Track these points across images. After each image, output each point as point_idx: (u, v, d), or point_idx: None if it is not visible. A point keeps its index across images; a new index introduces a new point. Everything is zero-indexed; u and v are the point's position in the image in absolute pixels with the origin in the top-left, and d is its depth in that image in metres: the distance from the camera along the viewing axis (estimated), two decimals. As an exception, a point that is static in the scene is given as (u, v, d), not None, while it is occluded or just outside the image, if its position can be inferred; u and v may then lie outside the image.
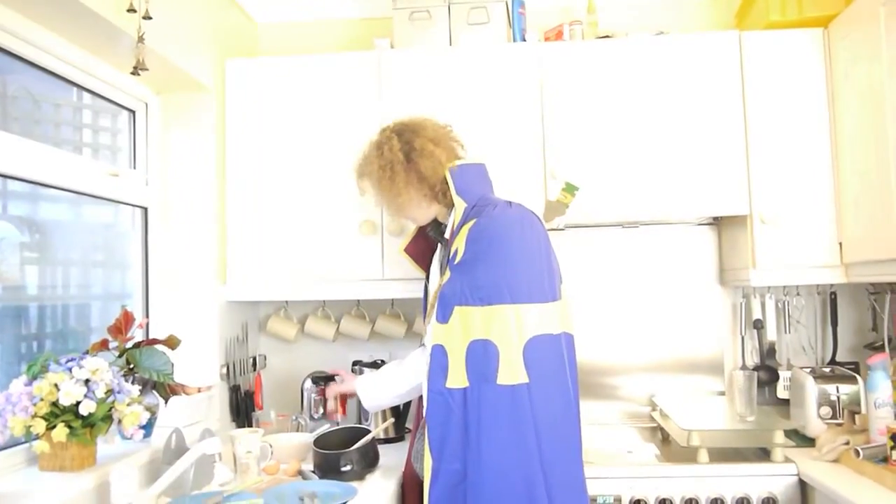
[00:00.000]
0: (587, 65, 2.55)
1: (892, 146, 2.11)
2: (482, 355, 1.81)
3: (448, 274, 1.93)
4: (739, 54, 2.51)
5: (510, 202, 2.00)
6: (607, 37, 2.69)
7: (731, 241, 2.71)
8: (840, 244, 2.44)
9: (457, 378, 1.83)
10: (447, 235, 2.07)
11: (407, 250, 2.28)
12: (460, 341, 1.84)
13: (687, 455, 2.28)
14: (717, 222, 2.82)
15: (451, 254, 1.94)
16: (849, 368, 2.53)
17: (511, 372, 1.79)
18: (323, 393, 2.54)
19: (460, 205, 1.99)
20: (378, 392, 2.22)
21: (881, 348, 2.54)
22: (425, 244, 2.26)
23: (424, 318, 2.16)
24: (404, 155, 2.04)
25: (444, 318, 1.88)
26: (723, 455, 2.28)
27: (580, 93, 2.54)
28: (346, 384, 2.29)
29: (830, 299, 2.73)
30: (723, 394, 2.76)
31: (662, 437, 2.57)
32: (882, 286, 2.60)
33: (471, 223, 1.93)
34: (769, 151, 2.48)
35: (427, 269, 2.25)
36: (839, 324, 2.73)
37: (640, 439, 2.58)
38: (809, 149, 2.48)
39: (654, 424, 2.67)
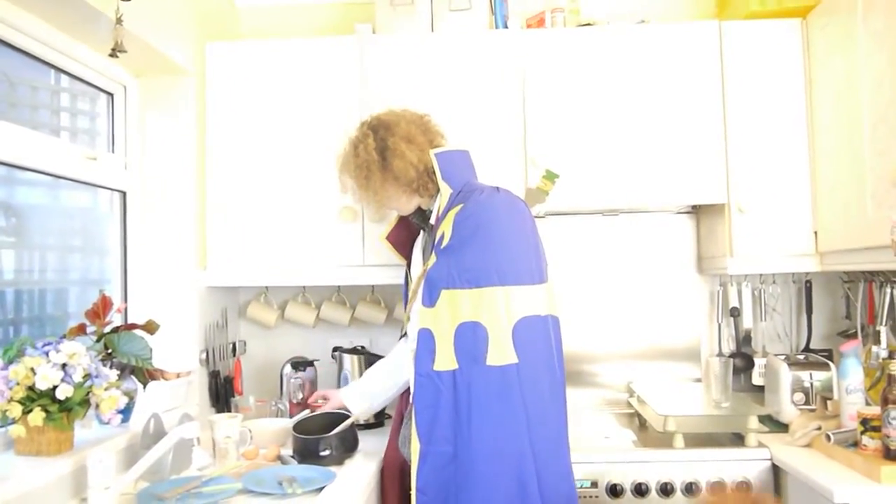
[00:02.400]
0: (569, 53, 2.56)
1: (865, 136, 2.14)
2: (471, 337, 1.83)
3: (434, 258, 1.94)
4: (719, 44, 2.52)
5: (497, 188, 2.02)
6: (589, 25, 2.69)
7: (709, 230, 2.73)
8: (815, 233, 2.47)
9: (445, 361, 1.84)
10: (432, 221, 2.08)
11: (388, 238, 2.29)
12: (448, 324, 1.85)
13: (663, 440, 2.31)
14: (696, 211, 2.84)
15: (437, 239, 1.95)
16: (822, 355, 2.57)
17: (500, 353, 1.82)
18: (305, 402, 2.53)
19: (446, 190, 2.00)
20: (368, 400, 2.26)
21: (854, 336, 2.58)
22: (406, 232, 2.27)
23: (406, 305, 2.16)
24: (379, 154, 2.06)
25: (430, 301, 1.89)
26: (698, 440, 2.31)
27: (561, 80, 2.55)
28: (333, 401, 2.29)
29: (805, 287, 2.77)
30: (699, 380, 2.79)
31: (639, 423, 2.60)
32: (855, 274, 2.64)
33: (457, 208, 1.95)
34: (747, 141, 2.50)
35: (408, 256, 2.26)
36: (814, 312, 2.77)
37: (618, 425, 2.61)
38: (787, 138, 2.51)
39: (632, 410, 2.70)
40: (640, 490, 2.21)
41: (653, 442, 2.35)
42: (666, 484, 2.21)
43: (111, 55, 1.88)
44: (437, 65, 2.58)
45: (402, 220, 2.26)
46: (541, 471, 1.83)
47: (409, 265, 2.26)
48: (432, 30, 2.67)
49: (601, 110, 2.54)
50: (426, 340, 1.87)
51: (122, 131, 2.52)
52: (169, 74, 2.52)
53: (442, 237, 1.94)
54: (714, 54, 2.52)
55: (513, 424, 1.81)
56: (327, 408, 2.29)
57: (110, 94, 2.49)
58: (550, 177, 2.49)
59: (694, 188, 2.52)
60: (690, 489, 2.20)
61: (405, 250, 2.27)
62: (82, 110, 2.47)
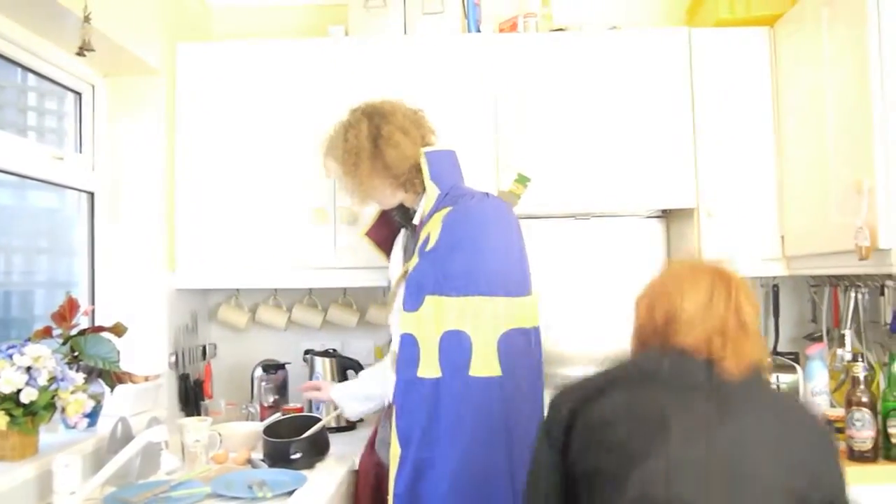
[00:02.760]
0: (541, 57, 2.57)
1: (830, 143, 2.18)
2: (457, 346, 1.78)
3: (416, 260, 1.89)
4: (689, 50, 2.55)
5: (487, 193, 1.98)
6: (561, 30, 2.72)
7: (678, 234, 2.76)
8: (782, 237, 2.51)
9: (429, 368, 1.80)
10: (416, 221, 2.03)
11: (369, 234, 2.23)
12: (433, 331, 1.80)
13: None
14: (666, 215, 2.87)
15: (422, 240, 1.90)
16: (789, 358, 2.61)
17: (484, 364, 1.78)
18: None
19: (433, 191, 1.95)
20: (359, 404, 2.18)
21: (820, 339, 2.63)
22: (387, 230, 2.21)
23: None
24: (371, 142, 2.00)
25: (413, 306, 1.84)
26: (667, 442, 2.33)
27: (533, 85, 2.56)
28: (322, 393, 2.26)
29: (773, 291, 2.81)
30: (669, 383, 2.81)
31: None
32: (821, 279, 2.69)
33: (445, 211, 1.89)
34: (716, 146, 2.54)
35: (389, 253, 2.22)
36: (781, 315, 2.81)
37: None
38: (754, 144, 2.54)
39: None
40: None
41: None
42: (635, 485, 2.22)
43: (78, 54, 1.85)
44: (410, 67, 2.58)
45: (384, 217, 2.21)
46: (518, 487, 1.76)
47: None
48: (405, 32, 2.67)
49: (572, 115, 2.55)
50: (409, 346, 1.83)
51: (89, 131, 2.49)
52: (138, 74, 2.49)
53: (427, 239, 1.88)
54: (684, 61, 2.55)
55: (491, 438, 1.77)
56: (316, 395, 2.27)
57: (78, 94, 2.46)
58: (522, 180, 2.50)
59: (663, 193, 2.55)
60: (659, 491, 2.22)
61: (388, 246, 2.21)
62: (50, 109, 2.43)
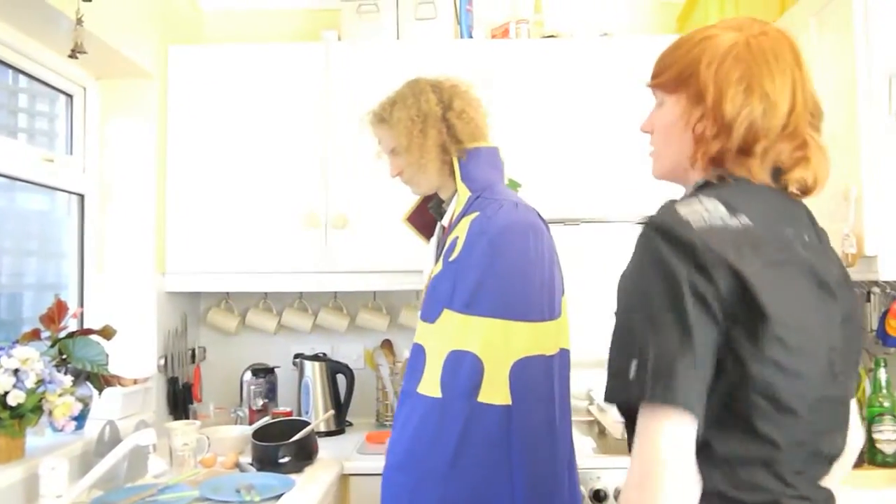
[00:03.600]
0: (533, 63, 2.59)
1: (819, 151, 2.19)
2: (464, 368, 1.64)
3: (440, 266, 1.77)
4: (679, 58, 2.57)
5: (517, 202, 1.80)
6: (553, 36, 2.73)
7: (668, 240, 2.77)
8: (771, 245, 2.52)
9: (431, 386, 1.66)
10: (444, 223, 1.90)
11: (410, 220, 2.05)
12: (441, 347, 1.68)
13: (622, 447, 2.31)
14: (656, 221, 2.88)
15: (448, 245, 1.77)
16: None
17: (493, 391, 1.63)
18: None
19: (464, 192, 1.80)
20: None
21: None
22: (430, 216, 2.04)
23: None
24: (441, 109, 1.84)
25: (430, 317, 1.72)
26: (655, 448, 2.33)
27: (524, 91, 2.58)
28: None
29: (761, 298, 2.82)
30: (658, 388, 2.82)
31: (599, 431, 2.62)
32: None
33: (473, 216, 1.74)
34: (706, 153, 2.55)
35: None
36: (769, 321, 2.82)
37: (578, 433, 2.61)
38: (744, 152, 2.56)
39: (591, 418, 2.72)
40: (599, 497, 2.23)
41: (612, 449, 2.38)
42: (624, 491, 2.23)
43: (71, 56, 1.85)
44: (403, 73, 2.56)
45: (424, 203, 2.02)
46: None
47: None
48: (398, 38, 2.69)
49: (564, 120, 2.57)
50: (417, 357, 1.72)
51: (80, 133, 2.48)
52: (130, 77, 2.49)
53: (453, 245, 1.75)
54: (674, 68, 2.56)
55: (494, 468, 1.62)
56: None
57: (69, 96, 2.46)
58: (512, 185, 2.50)
59: (653, 199, 2.53)
60: (647, 496, 2.22)
61: (429, 232, 2.04)
62: (41, 111, 2.43)
